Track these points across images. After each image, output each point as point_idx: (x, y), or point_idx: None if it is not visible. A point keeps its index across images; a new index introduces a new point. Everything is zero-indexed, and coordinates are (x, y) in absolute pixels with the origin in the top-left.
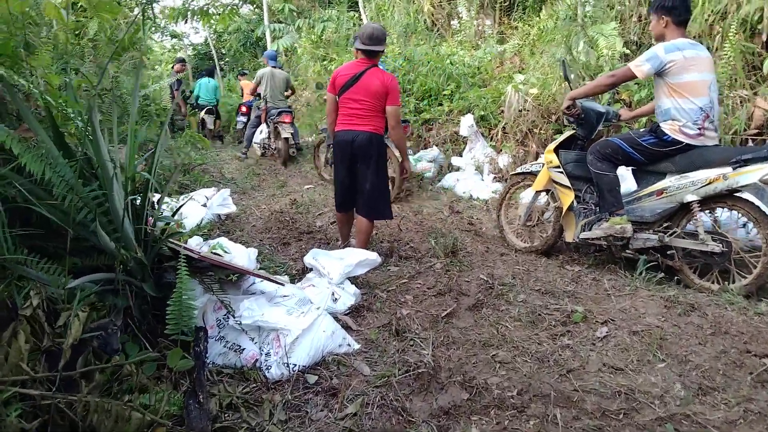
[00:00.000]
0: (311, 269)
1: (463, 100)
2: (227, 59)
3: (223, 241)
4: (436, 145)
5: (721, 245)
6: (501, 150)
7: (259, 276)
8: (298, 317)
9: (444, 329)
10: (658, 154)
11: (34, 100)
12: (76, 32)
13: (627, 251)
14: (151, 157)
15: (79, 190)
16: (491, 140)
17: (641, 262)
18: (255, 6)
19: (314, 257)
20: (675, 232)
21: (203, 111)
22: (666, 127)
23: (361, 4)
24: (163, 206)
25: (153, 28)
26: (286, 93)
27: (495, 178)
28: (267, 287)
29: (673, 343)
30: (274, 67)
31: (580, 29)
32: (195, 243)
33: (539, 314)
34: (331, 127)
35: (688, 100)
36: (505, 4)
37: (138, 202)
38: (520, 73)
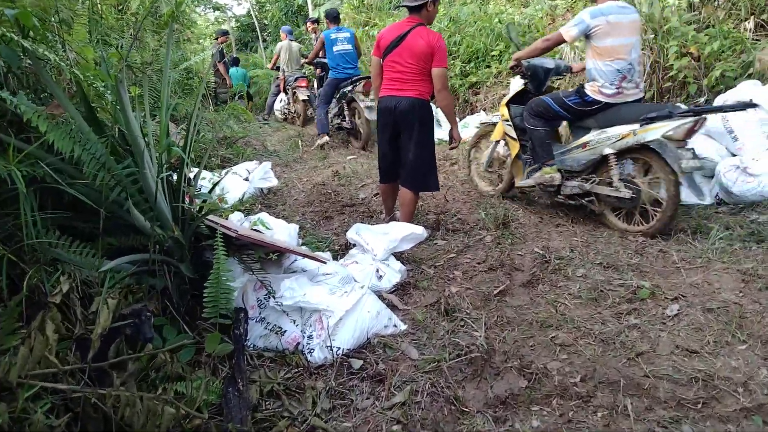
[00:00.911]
0: (354, 245)
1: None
2: (270, 30)
3: (264, 216)
4: (484, 110)
5: (630, 191)
6: None
7: (300, 254)
8: (341, 297)
9: (497, 308)
10: (581, 112)
11: (66, 75)
12: (119, 7)
13: (559, 197)
14: (187, 129)
15: (111, 167)
16: None
17: (714, 232)
18: None
19: (357, 232)
20: (595, 180)
21: (236, 96)
22: (588, 88)
23: None
24: (203, 182)
25: (196, 1)
26: (302, 62)
27: None
28: (309, 265)
29: (755, 321)
30: (291, 40)
31: None
32: (236, 219)
33: (601, 290)
34: (377, 93)
35: (607, 63)
36: None
37: (174, 178)
38: None
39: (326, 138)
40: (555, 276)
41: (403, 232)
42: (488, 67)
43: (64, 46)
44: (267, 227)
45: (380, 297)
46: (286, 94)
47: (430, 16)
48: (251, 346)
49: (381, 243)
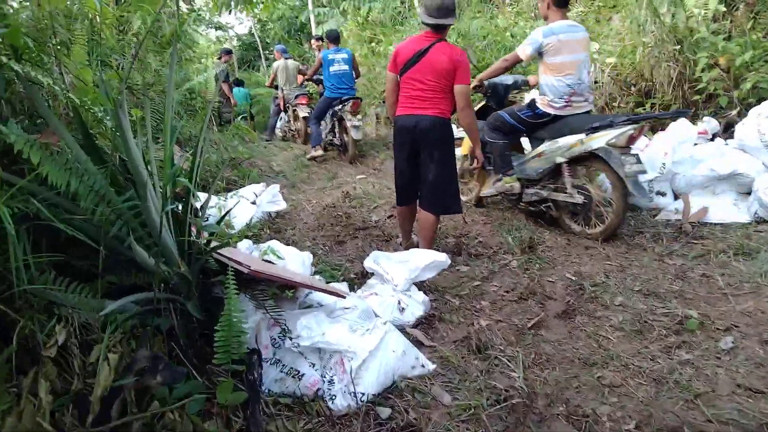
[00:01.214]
0: (373, 274)
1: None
2: (271, 48)
3: (275, 244)
4: None
5: (582, 197)
6: None
7: (317, 289)
8: (363, 335)
9: (533, 343)
10: (534, 124)
11: (61, 100)
12: (121, 27)
13: (521, 204)
14: (193, 155)
15: (112, 200)
16: None
17: (763, 254)
18: None
19: (375, 261)
20: (551, 187)
21: (239, 117)
22: (539, 101)
23: None
24: (210, 210)
25: (197, 21)
26: (298, 80)
27: None
28: (326, 298)
29: None
30: (287, 58)
31: None
32: (245, 247)
33: (645, 321)
34: (391, 110)
35: (558, 78)
36: None
37: (180, 208)
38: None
39: (321, 151)
40: (592, 305)
41: (425, 260)
42: None
43: (61, 69)
44: (278, 256)
45: (404, 332)
46: (287, 112)
47: (447, 31)
48: (266, 391)
49: (401, 272)
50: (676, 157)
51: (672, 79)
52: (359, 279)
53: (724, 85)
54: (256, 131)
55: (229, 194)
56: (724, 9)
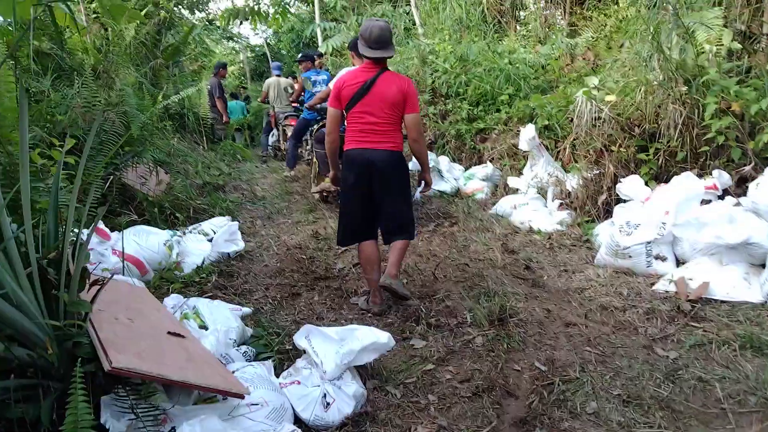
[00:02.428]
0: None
1: (525, 107)
2: (285, 60)
3: (202, 305)
4: (491, 160)
5: None
6: (569, 169)
7: (201, 389)
8: None
9: None
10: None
11: None
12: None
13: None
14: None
15: None
16: (558, 156)
17: None
18: (307, 3)
19: (307, 336)
20: None
21: (234, 129)
22: None
23: (413, 1)
24: (159, 248)
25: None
26: (290, 98)
27: (562, 204)
28: None
29: None
30: (278, 75)
31: (672, 18)
32: (171, 304)
33: None
34: (332, 147)
35: None
36: None
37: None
38: (593, 73)
39: (292, 172)
40: (558, 411)
41: (363, 341)
42: (498, 111)
43: None
44: (201, 322)
45: None
46: (278, 130)
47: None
48: None
49: (332, 356)
50: (679, 217)
51: (677, 123)
52: (293, 354)
53: (738, 134)
54: (253, 145)
55: (190, 228)
56: (740, 46)
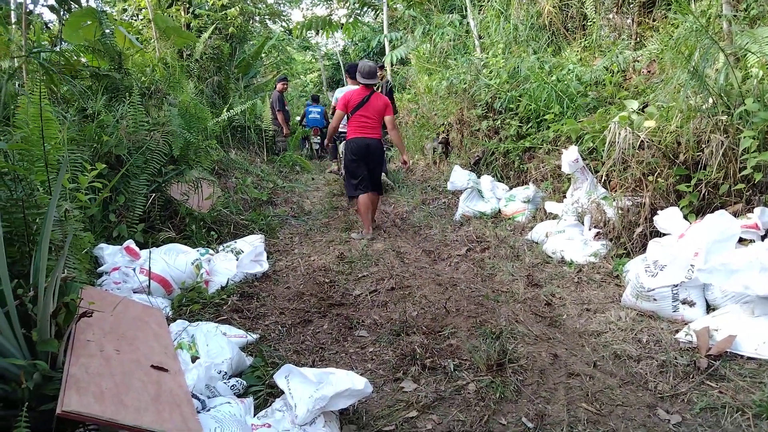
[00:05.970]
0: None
1: (573, 125)
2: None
3: (199, 333)
4: (535, 181)
5: None
6: (609, 198)
7: None
8: None
9: None
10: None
11: None
12: (187, 53)
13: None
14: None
15: None
16: (603, 180)
17: None
18: (376, 14)
19: (287, 376)
20: None
21: (300, 137)
22: None
23: (469, 12)
24: (185, 267)
25: (283, 41)
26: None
27: (599, 234)
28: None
29: None
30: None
31: (714, 41)
32: (176, 330)
33: None
34: (331, 133)
35: None
36: None
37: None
38: (650, 91)
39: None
40: None
41: (337, 387)
42: (547, 128)
43: None
44: (195, 353)
45: None
46: None
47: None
48: None
49: (306, 400)
50: (710, 260)
51: (718, 154)
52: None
53: None
54: (324, 152)
55: (222, 246)
56: None
